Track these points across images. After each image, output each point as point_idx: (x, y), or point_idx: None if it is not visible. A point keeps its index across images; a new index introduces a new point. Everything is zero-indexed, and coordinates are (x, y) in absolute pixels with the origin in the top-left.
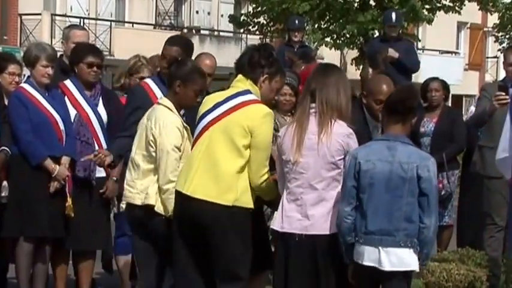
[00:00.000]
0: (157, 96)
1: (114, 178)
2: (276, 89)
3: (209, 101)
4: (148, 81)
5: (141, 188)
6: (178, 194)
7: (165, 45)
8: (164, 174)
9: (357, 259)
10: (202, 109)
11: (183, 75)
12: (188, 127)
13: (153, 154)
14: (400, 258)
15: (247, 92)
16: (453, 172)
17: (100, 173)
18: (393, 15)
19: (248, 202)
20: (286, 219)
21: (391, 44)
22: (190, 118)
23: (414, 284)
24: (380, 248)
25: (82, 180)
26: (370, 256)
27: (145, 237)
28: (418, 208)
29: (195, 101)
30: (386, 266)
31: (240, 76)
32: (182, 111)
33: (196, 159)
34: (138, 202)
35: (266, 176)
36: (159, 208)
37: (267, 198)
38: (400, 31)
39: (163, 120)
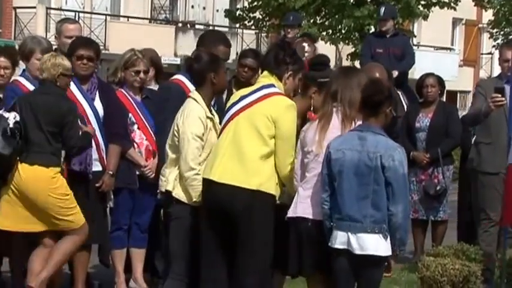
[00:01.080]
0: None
1: (111, 172)
2: (298, 85)
3: (236, 95)
4: (182, 78)
5: (167, 176)
6: (205, 181)
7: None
8: (185, 162)
9: (331, 243)
10: (229, 102)
11: (213, 67)
12: (214, 118)
13: (177, 143)
14: (368, 244)
15: (272, 85)
16: (448, 167)
17: (96, 166)
18: (382, 9)
19: (272, 188)
20: (300, 205)
21: (387, 39)
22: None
23: (409, 279)
24: (349, 233)
25: (77, 174)
26: (341, 240)
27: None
28: (385, 196)
29: (226, 81)
30: (356, 250)
31: (265, 72)
32: (213, 102)
33: (221, 147)
34: (163, 189)
35: (292, 165)
36: (177, 194)
37: (291, 190)
38: (396, 26)
39: (187, 111)
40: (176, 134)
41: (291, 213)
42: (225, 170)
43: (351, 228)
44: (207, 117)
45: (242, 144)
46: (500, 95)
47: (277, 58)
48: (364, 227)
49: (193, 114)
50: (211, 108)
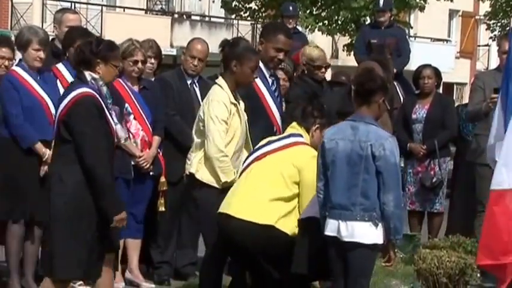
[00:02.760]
0: (257, 81)
1: None
2: None
3: (264, 140)
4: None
5: (192, 159)
6: (220, 216)
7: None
8: (212, 144)
9: (324, 231)
10: (258, 145)
11: (238, 55)
12: (238, 104)
13: (202, 128)
14: (357, 231)
15: (300, 135)
16: (445, 159)
17: None
18: (381, 0)
19: (287, 228)
20: (310, 209)
21: (382, 30)
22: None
23: (405, 271)
24: (340, 221)
25: None
26: (331, 227)
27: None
28: (375, 185)
29: (252, 77)
30: (345, 237)
31: (294, 123)
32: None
33: (240, 185)
34: (187, 172)
35: None
36: (201, 176)
37: None
38: (392, 18)
39: (212, 96)
40: (201, 119)
41: (302, 215)
42: (242, 205)
43: (341, 216)
44: (231, 102)
45: (264, 185)
46: (498, 95)
47: (305, 111)
48: (354, 215)
49: (217, 99)
50: (236, 94)
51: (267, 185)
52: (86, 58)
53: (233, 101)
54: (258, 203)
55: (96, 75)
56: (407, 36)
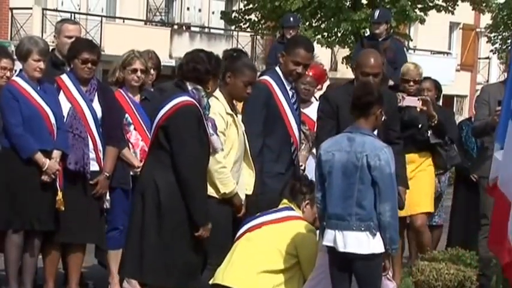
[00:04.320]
0: (277, 93)
1: (107, 174)
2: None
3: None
4: (269, 79)
5: None
6: (213, 286)
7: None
8: (211, 156)
9: (322, 241)
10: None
11: (234, 68)
12: (234, 114)
13: None
14: (350, 242)
15: (292, 209)
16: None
17: (93, 166)
18: (376, 12)
19: None
20: None
21: (379, 42)
22: None
23: (404, 283)
24: (336, 231)
25: (73, 174)
26: (328, 237)
27: None
28: (371, 195)
29: (244, 91)
30: (340, 247)
31: (285, 200)
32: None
33: (235, 254)
34: None
35: None
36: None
37: None
38: (391, 30)
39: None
40: None
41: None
42: (236, 276)
43: (338, 226)
44: (227, 113)
45: (259, 256)
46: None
47: (294, 189)
48: (350, 225)
49: (213, 111)
50: (234, 105)
51: (262, 257)
52: (200, 76)
53: (229, 111)
54: (252, 273)
55: (198, 86)
56: (404, 49)
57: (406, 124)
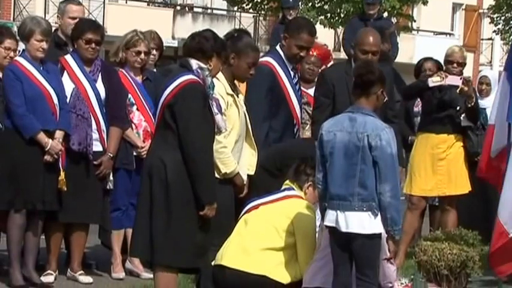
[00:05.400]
0: (281, 75)
1: (110, 154)
2: None
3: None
4: (272, 61)
5: None
6: (214, 268)
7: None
8: None
9: (323, 222)
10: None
11: (237, 49)
12: (235, 95)
13: None
14: (353, 222)
15: (293, 189)
16: None
17: (97, 147)
18: None
19: (279, 276)
20: (314, 277)
21: (371, 22)
22: None
23: (406, 263)
24: (338, 211)
25: (76, 154)
26: (330, 218)
27: None
28: (373, 175)
29: (248, 73)
30: (342, 228)
31: (287, 181)
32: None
33: (233, 236)
34: None
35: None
36: None
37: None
38: (384, 11)
39: None
40: None
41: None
42: (236, 256)
43: (340, 206)
44: (227, 93)
45: (257, 236)
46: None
47: (298, 169)
48: (352, 205)
49: (214, 91)
50: (235, 85)
51: (260, 236)
52: (204, 48)
53: (230, 92)
54: (251, 253)
55: (203, 65)
56: (395, 31)
57: (444, 104)
